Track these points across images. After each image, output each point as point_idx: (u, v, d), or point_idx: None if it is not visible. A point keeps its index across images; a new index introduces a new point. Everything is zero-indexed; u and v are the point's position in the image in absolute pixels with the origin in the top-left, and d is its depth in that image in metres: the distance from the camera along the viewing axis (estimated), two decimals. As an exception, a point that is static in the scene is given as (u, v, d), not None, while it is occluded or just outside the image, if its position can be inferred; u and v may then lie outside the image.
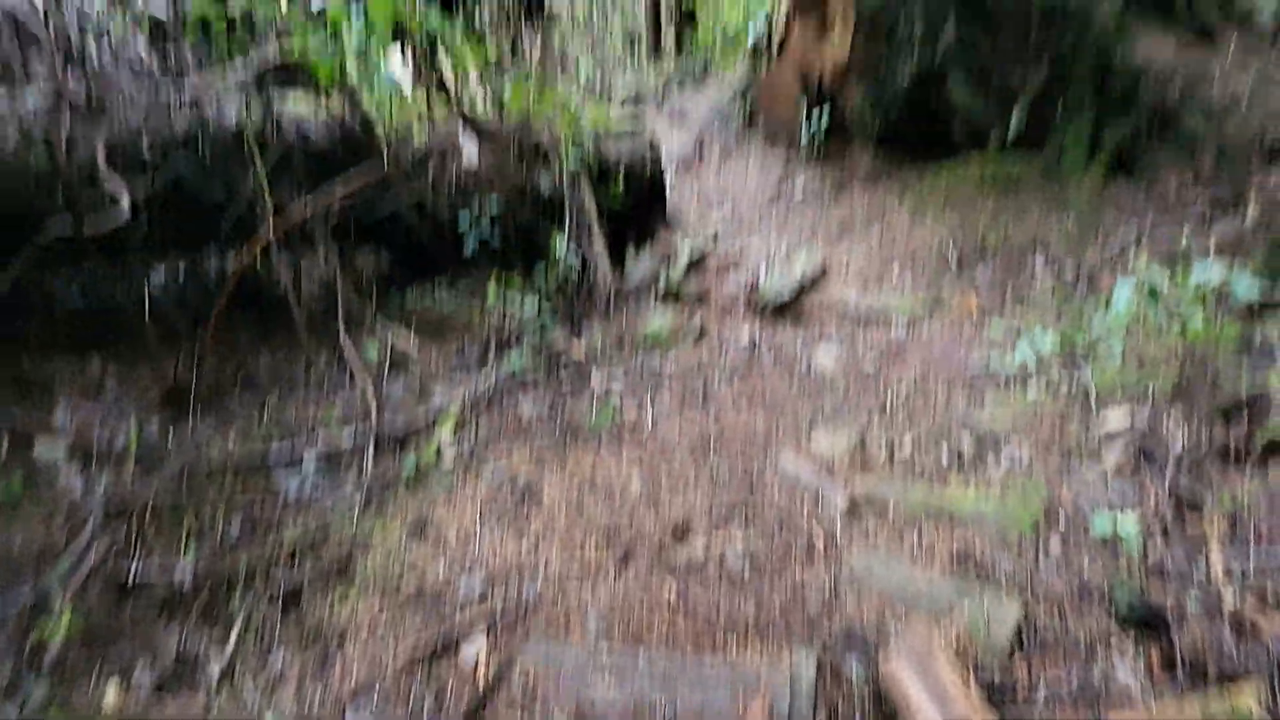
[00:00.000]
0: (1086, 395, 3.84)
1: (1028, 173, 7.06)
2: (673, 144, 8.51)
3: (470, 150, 5.28)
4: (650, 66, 10.81)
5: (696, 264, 5.98)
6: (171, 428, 3.80)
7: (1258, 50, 6.74)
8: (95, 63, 4.78)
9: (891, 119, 7.41)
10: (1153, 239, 5.77)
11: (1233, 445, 3.18)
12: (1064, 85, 7.02)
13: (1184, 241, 5.53)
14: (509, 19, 8.64)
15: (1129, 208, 6.50)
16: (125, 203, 3.83)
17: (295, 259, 4.71)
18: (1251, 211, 5.60)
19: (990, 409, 3.94)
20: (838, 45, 7.42)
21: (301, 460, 3.62)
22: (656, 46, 11.03)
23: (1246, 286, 3.64)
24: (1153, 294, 3.74)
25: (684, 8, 10.84)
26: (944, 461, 3.54)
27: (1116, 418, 3.56)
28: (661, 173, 6.63)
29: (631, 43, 12.04)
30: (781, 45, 8.08)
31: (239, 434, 3.82)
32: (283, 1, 8.10)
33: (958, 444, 3.65)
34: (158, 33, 5.55)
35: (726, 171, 8.03)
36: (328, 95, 4.94)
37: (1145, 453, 3.29)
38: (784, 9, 7.94)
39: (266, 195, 4.22)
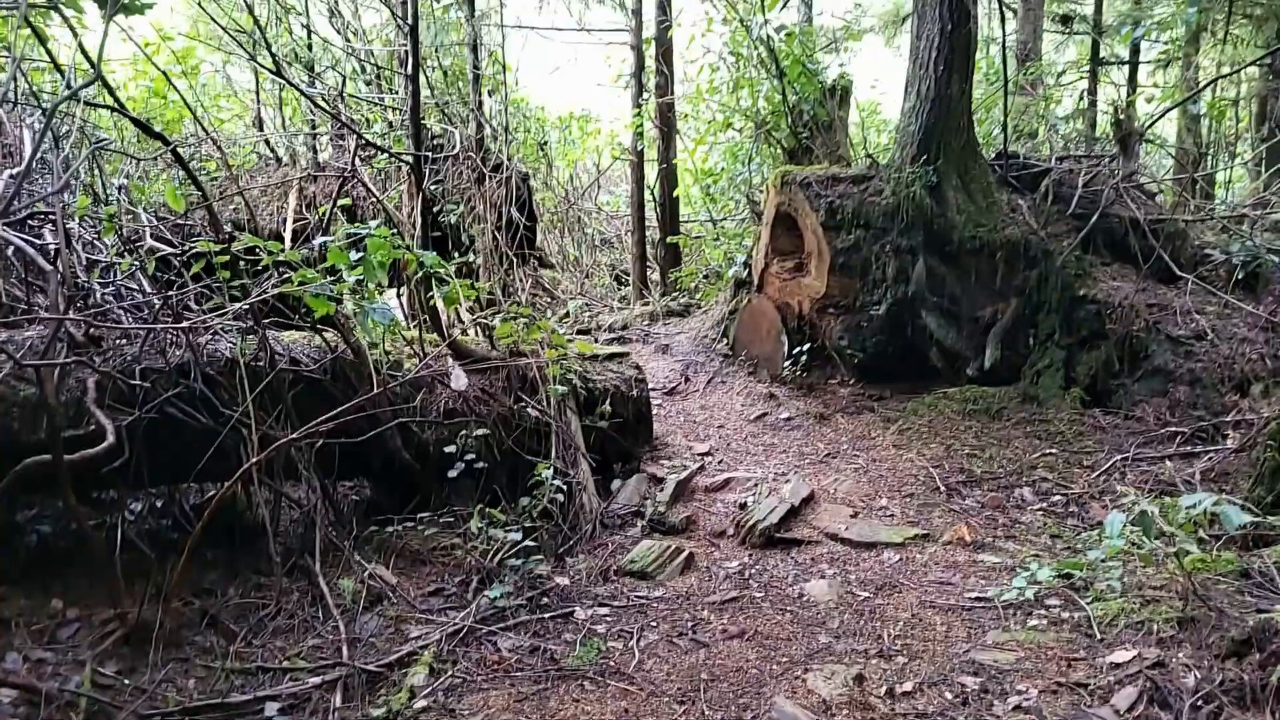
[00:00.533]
0: (1089, 629, 3.73)
1: (1007, 401, 7.24)
2: (658, 373, 8.75)
3: (459, 379, 5.41)
4: (637, 301, 11.35)
5: (682, 490, 5.96)
6: (129, 672, 3.60)
7: (1213, 287, 7.16)
8: (98, 298, 4.98)
9: (870, 350, 7.69)
10: (1137, 467, 5.84)
11: (1248, 684, 3.05)
12: (1033, 318, 7.37)
13: (1169, 470, 5.59)
14: (502, 258, 9.17)
15: (1110, 435, 6.63)
16: (110, 436, 3.85)
17: (276, 489, 4.67)
18: (1231, 441, 5.72)
19: (992, 644, 3.81)
20: (814, 281, 7.84)
21: (263, 708, 3.41)
22: (643, 282, 11.63)
23: (1237, 516, 3.64)
24: (1145, 524, 3.73)
25: (668, 244, 11.54)
26: (949, 702, 3.37)
27: (1123, 655, 3.44)
28: (647, 400, 6.77)
29: (618, 279, 12.71)
30: (761, 281, 8.53)
31: (199, 678, 3.61)
32: (286, 240, 8.57)
33: (962, 683, 3.49)
34: (164, 270, 5.82)
35: (711, 399, 8.21)
36: (322, 328, 5.12)
37: (1158, 693, 3.15)
38: (762, 248, 8.47)
39: (253, 425, 4.26)
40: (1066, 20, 14.01)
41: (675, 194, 11.41)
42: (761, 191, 9.51)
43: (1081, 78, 11.90)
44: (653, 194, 11.92)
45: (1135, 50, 13.27)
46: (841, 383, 8.02)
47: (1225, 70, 7.43)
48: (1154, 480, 5.60)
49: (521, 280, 11.26)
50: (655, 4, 10.97)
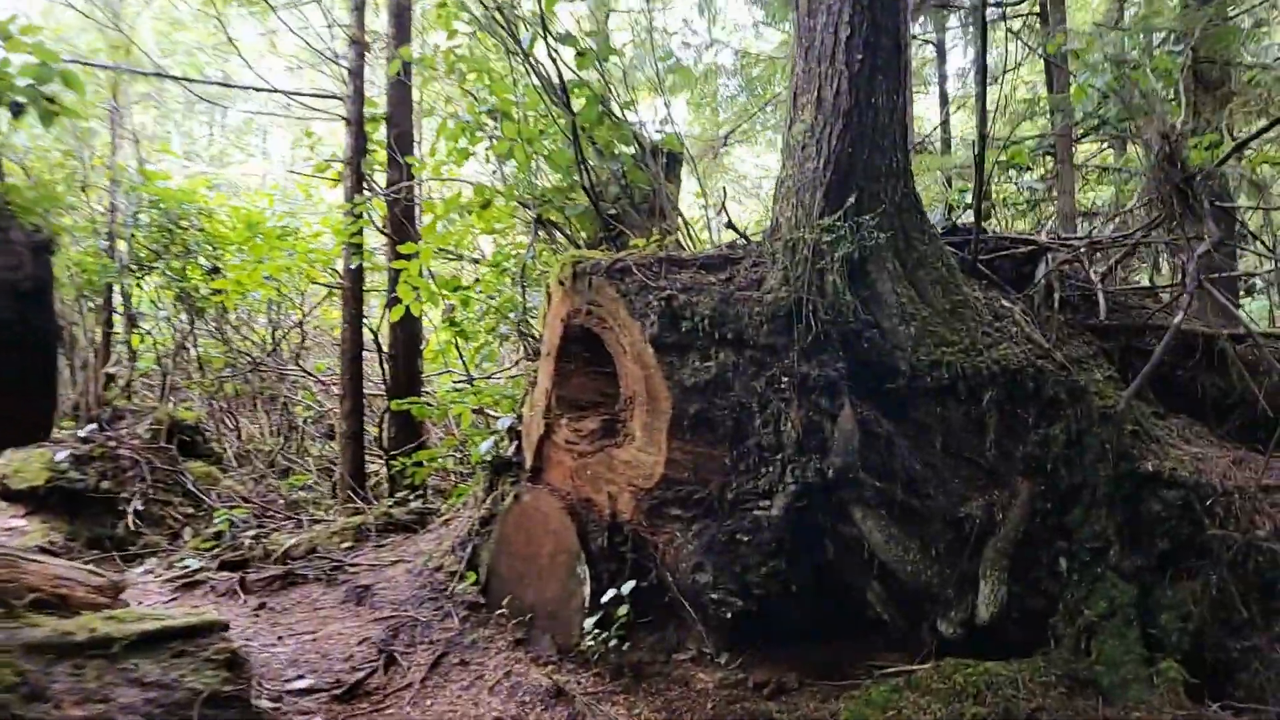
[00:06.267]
0: None
1: (1036, 690, 3.77)
2: (334, 649, 4.60)
3: None
4: (345, 508, 7.16)
5: None
6: None
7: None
8: None
9: (757, 589, 3.98)
10: None
11: None
12: (1060, 518, 3.98)
13: None
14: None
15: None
16: None
17: None
18: None
19: None
20: (640, 453, 4.17)
21: None
22: (358, 479, 7.46)
23: None
24: None
25: (394, 413, 7.53)
26: None
27: None
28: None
29: (329, 473, 8.45)
30: (539, 460, 4.75)
31: None
32: None
33: None
34: None
35: (435, 705, 4.11)
36: None
37: None
38: (541, 399, 4.75)
39: None
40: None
41: (416, 336, 7.58)
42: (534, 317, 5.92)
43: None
44: (377, 340, 8.04)
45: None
46: (701, 658, 4.18)
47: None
48: None
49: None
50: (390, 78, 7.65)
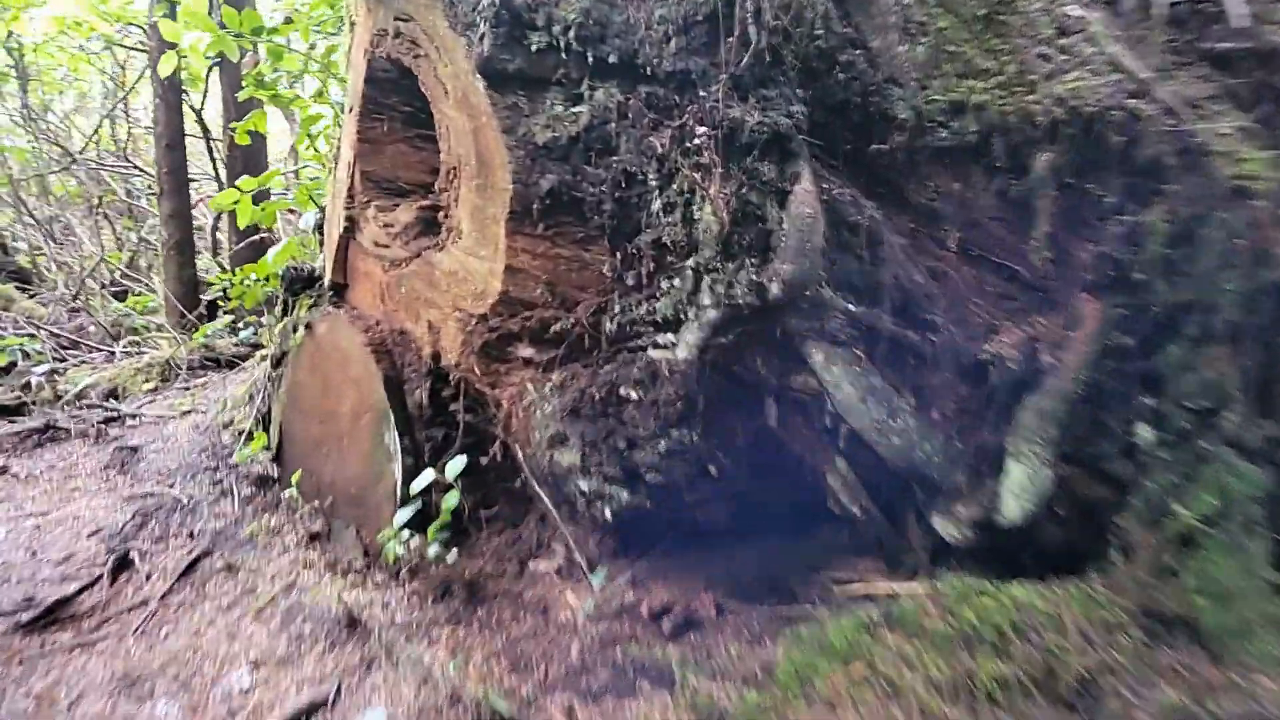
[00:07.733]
0: None
1: (1099, 634, 2.39)
2: (55, 543, 3.17)
3: None
4: (168, 339, 5.58)
5: None
6: None
7: None
8: None
9: (650, 464, 2.49)
10: None
11: None
12: (1152, 357, 2.47)
13: None
14: None
15: None
16: None
17: None
18: None
19: None
20: (470, 257, 2.58)
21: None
22: (188, 298, 5.85)
23: None
24: None
25: (223, 213, 5.82)
26: None
27: None
28: None
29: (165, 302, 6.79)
30: (340, 273, 3.16)
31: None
32: None
33: None
34: None
35: (175, 631, 2.70)
36: None
37: None
38: (343, 175, 3.11)
39: None
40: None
41: (245, 103, 5.72)
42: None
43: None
44: (201, 120, 6.18)
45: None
46: (571, 570, 2.79)
47: None
48: None
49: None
50: None
